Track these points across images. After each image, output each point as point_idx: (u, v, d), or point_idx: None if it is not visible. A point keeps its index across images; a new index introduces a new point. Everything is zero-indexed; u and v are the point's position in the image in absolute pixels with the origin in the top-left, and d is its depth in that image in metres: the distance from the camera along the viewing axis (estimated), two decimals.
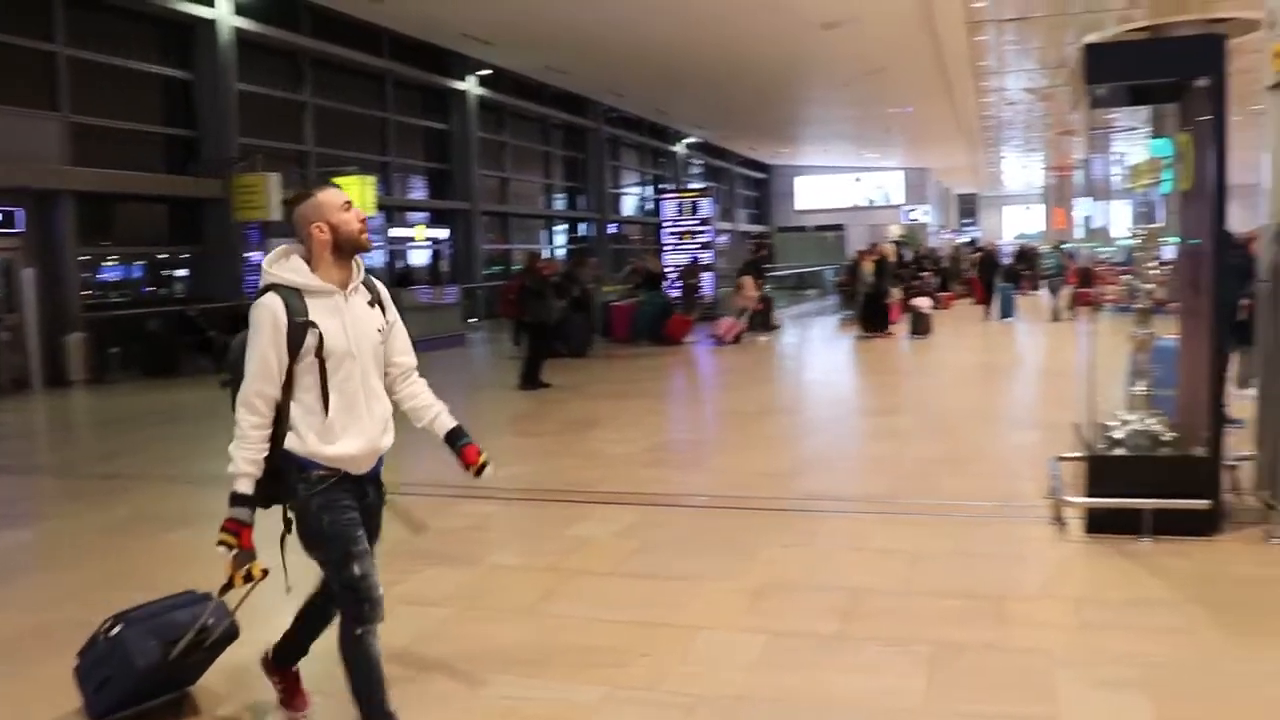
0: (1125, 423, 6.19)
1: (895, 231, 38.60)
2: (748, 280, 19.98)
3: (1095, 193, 23.58)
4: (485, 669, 4.19)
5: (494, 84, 25.77)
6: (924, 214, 48.61)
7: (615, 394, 13.21)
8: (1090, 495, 5.91)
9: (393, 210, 23.13)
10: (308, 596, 3.62)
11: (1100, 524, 5.83)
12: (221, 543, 3.18)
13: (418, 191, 25.07)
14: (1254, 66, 6.18)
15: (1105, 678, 3.97)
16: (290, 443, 3.19)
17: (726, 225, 39.88)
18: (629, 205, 37.06)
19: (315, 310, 3.17)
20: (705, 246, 22.92)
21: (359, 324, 3.27)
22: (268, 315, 3.13)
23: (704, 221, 23.23)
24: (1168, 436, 6.09)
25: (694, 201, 23.68)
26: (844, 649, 4.38)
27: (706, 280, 22.31)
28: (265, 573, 3.24)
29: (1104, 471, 5.92)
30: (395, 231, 23.21)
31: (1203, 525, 5.70)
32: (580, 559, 5.84)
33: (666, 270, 22.08)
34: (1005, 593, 5.01)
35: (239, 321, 3.38)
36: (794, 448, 9.38)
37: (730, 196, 44.77)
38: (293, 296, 3.16)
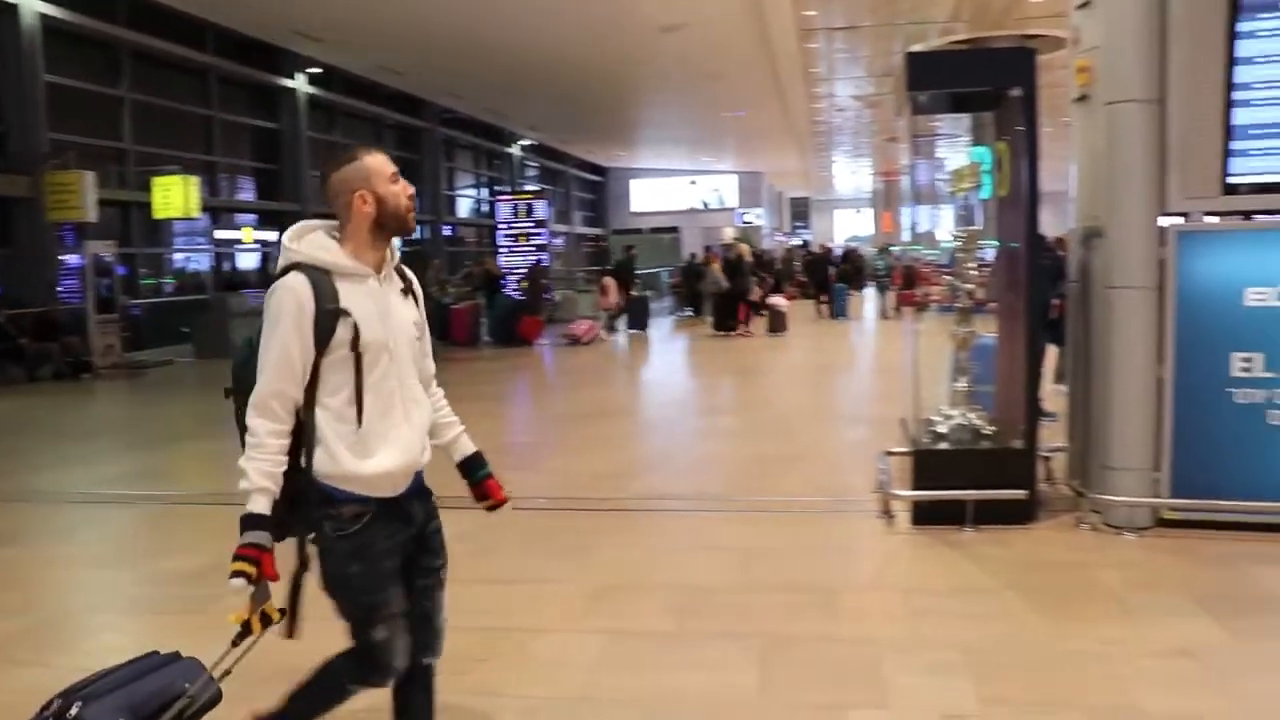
0: (948, 418, 6.46)
1: (730, 234, 39.21)
2: (610, 282, 20.14)
3: (920, 198, 24.50)
4: None
5: (325, 83, 25.14)
6: (758, 217, 49.62)
7: (452, 396, 12.99)
8: (916, 488, 6.14)
9: (219, 211, 22.35)
10: (395, 696, 3.06)
11: (926, 516, 6.07)
12: (239, 574, 2.56)
13: (246, 192, 24.23)
14: (1064, 81, 6.52)
15: (930, 663, 4.13)
16: (318, 463, 2.68)
17: (562, 228, 39.91)
18: (464, 207, 36.69)
19: (347, 295, 2.67)
20: (541, 249, 22.89)
21: (395, 314, 2.79)
22: (291, 300, 2.62)
23: (539, 224, 23.20)
24: (988, 430, 6.38)
25: (529, 204, 23.64)
26: (681, 646, 4.43)
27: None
28: (283, 614, 2.70)
29: (928, 465, 6.16)
30: (222, 234, 22.45)
31: (1021, 514, 5.99)
32: None
33: (505, 272, 21.99)
34: (836, 585, 5.16)
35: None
36: (633, 448, 9.44)
37: (566, 199, 44.81)
38: (321, 278, 2.65)
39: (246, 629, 2.64)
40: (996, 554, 5.55)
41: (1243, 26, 5.43)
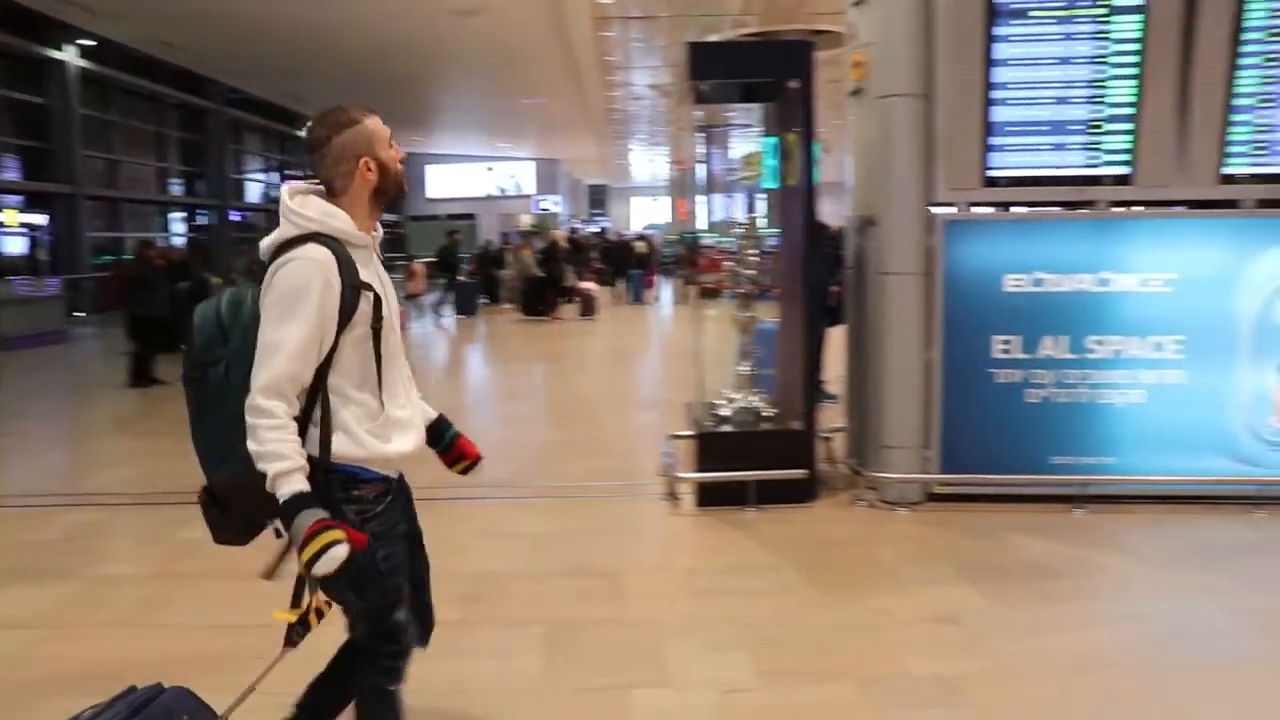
0: (731, 401, 6.61)
1: (527, 221, 39.18)
2: (419, 267, 20.00)
3: (713, 186, 25.06)
4: (82, 690, 3.82)
5: (99, 56, 23.63)
6: (555, 204, 49.63)
7: None
8: (700, 470, 6.26)
9: None
10: (337, 661, 2.96)
11: (710, 497, 6.20)
12: (335, 543, 2.33)
13: (9, 172, 22.57)
14: (848, 76, 6.75)
15: (711, 641, 4.23)
16: (340, 446, 2.46)
17: None
18: (254, 192, 35.30)
19: (360, 268, 2.48)
20: None
21: (389, 289, 2.61)
22: (318, 274, 2.36)
23: None
24: (769, 413, 6.56)
25: None
26: (466, 634, 4.38)
27: None
28: (330, 605, 2.54)
29: (712, 447, 6.29)
30: None
31: (801, 493, 6.20)
32: (194, 563, 5.45)
33: None
34: (621, 568, 5.21)
35: None
36: None
37: None
38: (340, 250, 2.43)
39: (304, 625, 2.47)
40: (778, 532, 5.73)
41: (998, 31, 5.75)
